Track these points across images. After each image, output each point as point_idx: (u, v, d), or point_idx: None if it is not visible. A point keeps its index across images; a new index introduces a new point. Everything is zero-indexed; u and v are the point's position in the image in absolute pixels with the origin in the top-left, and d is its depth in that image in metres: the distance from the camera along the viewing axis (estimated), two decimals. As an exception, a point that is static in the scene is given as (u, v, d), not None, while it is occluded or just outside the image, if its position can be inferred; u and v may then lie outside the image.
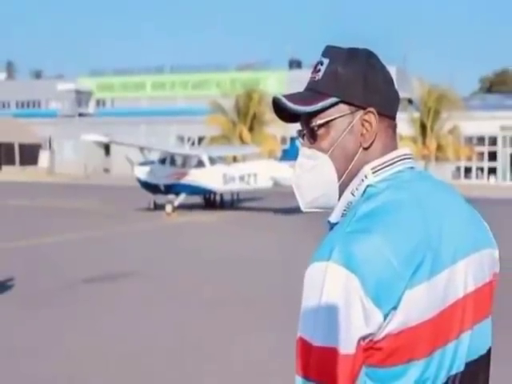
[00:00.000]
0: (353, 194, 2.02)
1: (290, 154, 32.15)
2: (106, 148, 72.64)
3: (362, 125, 2.03)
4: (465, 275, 1.96)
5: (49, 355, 9.60)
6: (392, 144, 2.09)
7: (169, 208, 31.48)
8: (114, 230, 25.27)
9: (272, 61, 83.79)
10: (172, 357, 9.51)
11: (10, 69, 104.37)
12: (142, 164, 33.66)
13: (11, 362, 9.25)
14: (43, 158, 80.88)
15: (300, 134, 2.15)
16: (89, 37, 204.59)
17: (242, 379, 8.71)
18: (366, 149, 2.04)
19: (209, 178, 32.40)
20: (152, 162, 33.88)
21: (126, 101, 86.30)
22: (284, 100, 2.06)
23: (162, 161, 33.91)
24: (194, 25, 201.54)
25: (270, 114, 45.60)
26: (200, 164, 33.08)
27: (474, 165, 61.86)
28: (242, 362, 9.32)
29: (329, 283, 1.76)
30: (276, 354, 9.18)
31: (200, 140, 57.58)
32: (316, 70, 2.09)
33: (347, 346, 1.75)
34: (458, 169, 61.96)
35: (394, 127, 2.13)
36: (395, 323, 1.79)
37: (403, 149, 2.11)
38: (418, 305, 1.81)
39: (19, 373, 8.84)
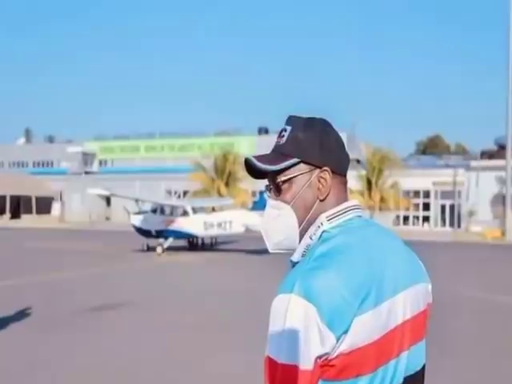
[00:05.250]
0: (311, 238, 2.03)
1: (259, 205, 32.32)
2: (107, 200, 72.17)
3: (319, 181, 2.05)
4: (403, 305, 1.96)
5: (62, 367, 9.64)
6: (343, 196, 2.11)
7: (159, 249, 31.40)
8: (113, 267, 25.06)
9: (244, 128, 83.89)
10: (160, 367, 9.54)
11: (28, 135, 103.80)
12: (137, 213, 33.49)
13: (32, 373, 9.27)
14: (55, 208, 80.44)
15: (267, 188, 2.16)
16: (93, 108, 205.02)
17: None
18: (322, 201, 2.05)
19: (192, 224, 32.30)
20: (145, 212, 33.77)
21: (124, 161, 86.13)
22: (254, 160, 2.08)
23: (154, 210, 33.73)
24: (180, 99, 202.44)
25: (242, 172, 45.51)
26: (185, 213, 32.88)
27: (411, 214, 61.93)
28: (219, 374, 9.32)
29: (291, 311, 1.76)
30: (247, 369, 9.17)
31: (185, 193, 57.43)
32: (280, 136, 2.11)
33: (306, 363, 1.75)
34: (398, 217, 62.01)
35: (345, 183, 2.15)
36: (346, 344, 1.78)
37: (353, 200, 2.13)
38: (364, 329, 1.81)
39: (37, 382, 8.85)
